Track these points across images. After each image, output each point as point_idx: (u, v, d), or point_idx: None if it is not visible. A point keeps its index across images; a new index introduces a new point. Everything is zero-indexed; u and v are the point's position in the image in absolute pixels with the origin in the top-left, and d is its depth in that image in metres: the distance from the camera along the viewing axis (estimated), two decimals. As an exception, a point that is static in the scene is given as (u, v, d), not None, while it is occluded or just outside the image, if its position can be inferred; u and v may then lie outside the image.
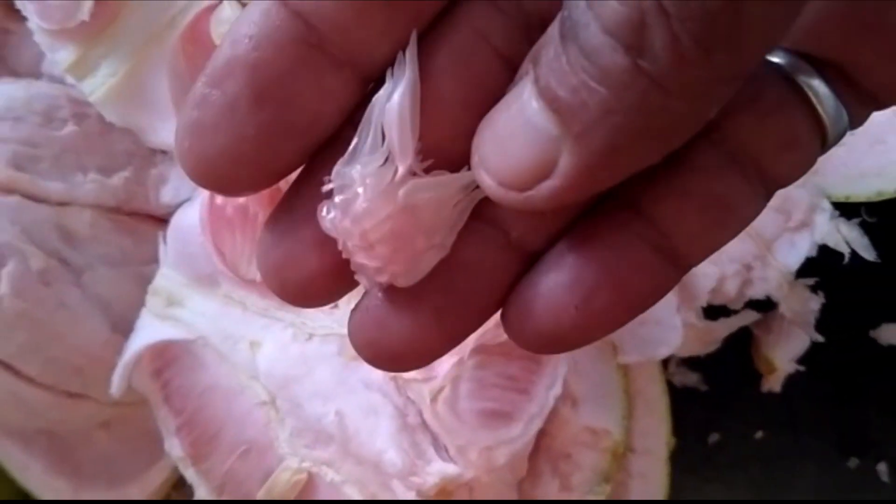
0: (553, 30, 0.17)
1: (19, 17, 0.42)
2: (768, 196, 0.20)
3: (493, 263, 0.20)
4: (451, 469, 0.35)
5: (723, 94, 0.17)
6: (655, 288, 0.20)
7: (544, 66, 0.17)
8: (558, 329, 0.19)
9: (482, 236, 0.20)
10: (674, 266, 0.20)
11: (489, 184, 0.18)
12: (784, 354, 0.46)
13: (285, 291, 0.20)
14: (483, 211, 0.20)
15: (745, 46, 0.16)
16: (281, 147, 0.19)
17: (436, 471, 0.35)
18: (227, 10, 0.38)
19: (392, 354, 0.20)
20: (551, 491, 0.40)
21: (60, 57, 0.40)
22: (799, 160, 0.20)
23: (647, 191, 0.20)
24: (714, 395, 0.49)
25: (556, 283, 0.19)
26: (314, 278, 0.20)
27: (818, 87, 0.20)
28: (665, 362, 0.47)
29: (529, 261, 0.20)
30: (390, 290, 0.20)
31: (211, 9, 0.39)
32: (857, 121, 0.21)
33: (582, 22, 0.16)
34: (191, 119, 0.19)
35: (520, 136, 0.17)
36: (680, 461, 0.45)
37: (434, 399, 0.35)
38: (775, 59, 0.20)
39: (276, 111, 0.18)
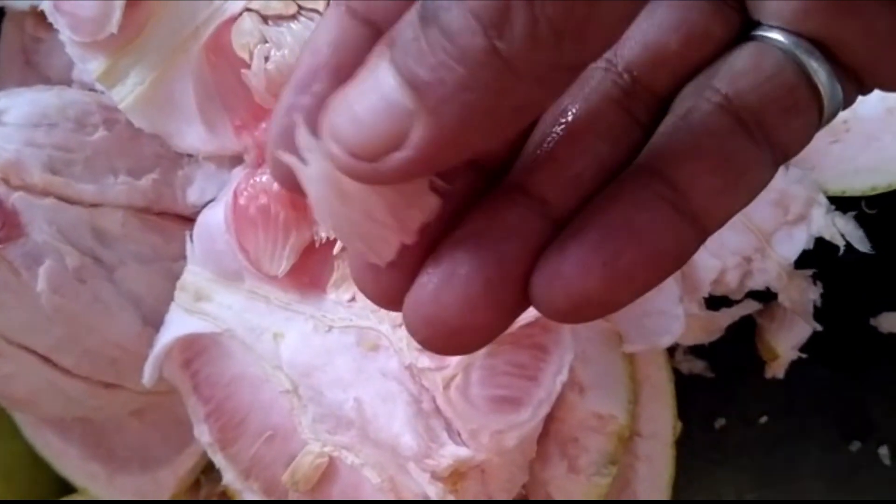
0: (410, 15, 0.18)
1: (50, 25, 0.43)
2: (776, 163, 0.21)
3: (531, 231, 0.20)
4: (463, 452, 0.36)
5: (564, 81, 0.18)
6: (678, 247, 0.20)
7: (401, 46, 0.18)
8: (587, 289, 0.19)
9: (521, 205, 0.21)
10: (692, 227, 0.20)
11: (338, 154, 0.18)
12: (786, 342, 0.47)
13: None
14: (518, 180, 0.21)
15: (591, 37, 0.17)
16: None
17: (449, 454, 0.36)
18: (248, 22, 0.39)
19: (448, 330, 0.20)
20: (560, 473, 0.42)
21: (91, 67, 0.41)
22: (800, 126, 0.21)
23: (665, 154, 0.20)
24: (720, 382, 0.50)
25: (584, 243, 0.20)
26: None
27: (811, 60, 0.21)
28: (672, 351, 0.49)
29: (559, 228, 0.21)
30: (438, 266, 0.20)
31: (232, 20, 0.40)
32: (847, 100, 0.22)
33: (444, 6, 0.17)
34: (282, 126, 0.20)
35: (374, 109, 0.18)
36: (688, 445, 0.46)
37: (447, 386, 0.36)
38: (771, 35, 0.21)
39: None
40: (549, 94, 0.18)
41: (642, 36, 0.22)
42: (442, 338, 0.20)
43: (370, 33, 0.20)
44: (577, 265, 0.19)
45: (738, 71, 0.21)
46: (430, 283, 0.20)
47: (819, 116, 0.21)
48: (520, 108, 0.18)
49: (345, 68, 0.20)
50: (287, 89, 0.21)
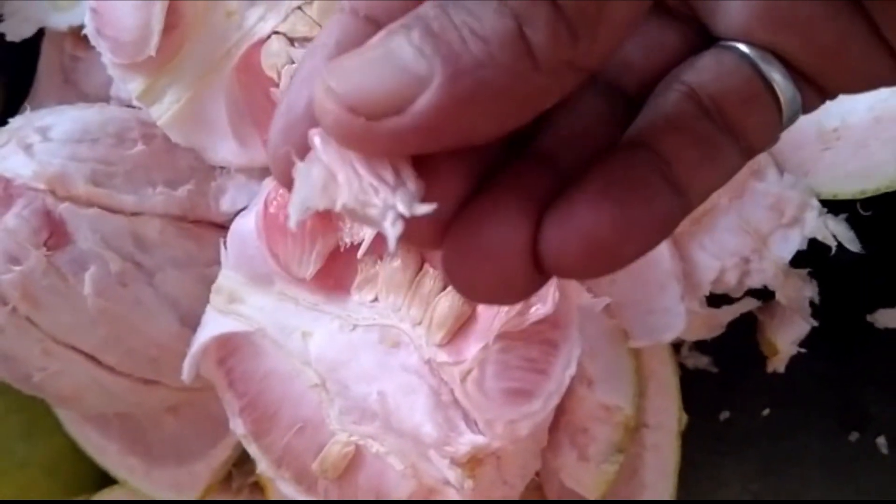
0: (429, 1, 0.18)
1: (87, 44, 0.45)
2: (742, 153, 0.22)
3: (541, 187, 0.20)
4: (480, 440, 0.37)
5: (574, 80, 0.19)
6: (667, 210, 0.20)
7: (422, 20, 0.18)
8: (600, 233, 0.19)
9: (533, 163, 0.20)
10: (678, 196, 0.20)
11: (332, 109, 0.17)
12: (786, 338, 0.48)
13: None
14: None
15: (601, 38, 0.18)
16: None
17: (467, 441, 0.37)
18: (275, 44, 0.40)
19: (484, 290, 0.20)
20: (570, 460, 0.43)
21: (131, 87, 0.43)
22: (760, 121, 0.22)
23: (646, 131, 0.21)
24: (724, 376, 0.51)
25: (589, 191, 0.19)
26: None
27: (765, 63, 0.21)
28: (678, 346, 0.50)
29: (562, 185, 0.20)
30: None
31: (261, 43, 0.41)
32: (808, 105, 0.22)
33: None
34: (285, 122, 0.19)
35: (384, 71, 0.17)
36: (693, 437, 0.47)
37: (463, 379, 0.37)
38: (730, 43, 0.22)
39: None
40: (557, 90, 0.19)
41: None
42: (481, 296, 0.20)
43: (374, 31, 0.19)
44: (588, 208, 0.19)
45: (699, 67, 0.22)
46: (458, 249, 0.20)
47: (779, 116, 0.22)
48: (527, 98, 0.18)
49: None
50: (292, 85, 0.20)
